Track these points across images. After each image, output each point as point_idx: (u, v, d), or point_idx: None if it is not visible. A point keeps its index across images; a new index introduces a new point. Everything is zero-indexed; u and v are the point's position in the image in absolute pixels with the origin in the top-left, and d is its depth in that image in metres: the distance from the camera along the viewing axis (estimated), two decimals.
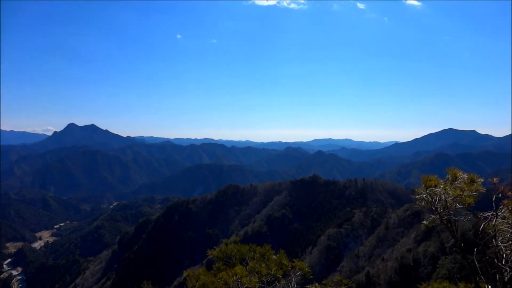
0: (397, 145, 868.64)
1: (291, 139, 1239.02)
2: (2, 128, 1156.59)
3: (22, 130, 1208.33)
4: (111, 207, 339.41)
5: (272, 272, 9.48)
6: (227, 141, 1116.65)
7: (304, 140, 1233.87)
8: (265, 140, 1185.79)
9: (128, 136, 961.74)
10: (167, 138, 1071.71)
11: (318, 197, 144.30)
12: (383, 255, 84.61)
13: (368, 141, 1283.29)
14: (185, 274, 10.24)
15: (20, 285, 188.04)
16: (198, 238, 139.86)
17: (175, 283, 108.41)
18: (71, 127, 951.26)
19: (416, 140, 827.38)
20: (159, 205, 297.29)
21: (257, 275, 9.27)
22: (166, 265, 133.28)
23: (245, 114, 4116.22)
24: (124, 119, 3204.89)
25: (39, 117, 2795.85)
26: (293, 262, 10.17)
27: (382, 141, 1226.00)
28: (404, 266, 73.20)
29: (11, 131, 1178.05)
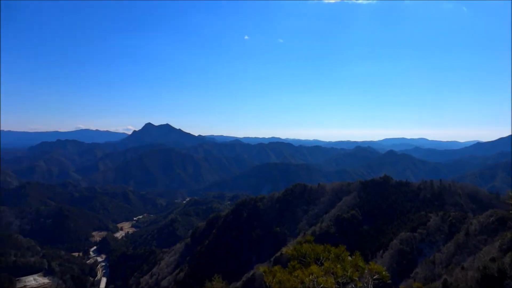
0: (479, 145, 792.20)
1: (360, 138, 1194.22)
2: (92, 128, 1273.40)
3: (106, 129, 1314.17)
4: (184, 202, 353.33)
5: (348, 274, 9.56)
6: (295, 140, 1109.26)
7: (374, 139, 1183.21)
8: (334, 139, 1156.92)
9: (199, 135, 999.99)
10: (236, 137, 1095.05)
11: (389, 199, 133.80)
12: (462, 264, 74.84)
13: (445, 140, 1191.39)
14: (261, 270, 10.60)
15: (104, 271, 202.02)
16: (266, 235, 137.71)
17: (243, 278, 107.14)
18: (148, 126, 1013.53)
19: (501, 139, 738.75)
20: (229, 202, 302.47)
21: (332, 275, 9.40)
22: (234, 260, 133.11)
23: (313, 113, 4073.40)
24: (196, 119, 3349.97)
25: (121, 117, 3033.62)
26: (369, 264, 10.17)
27: (461, 140, 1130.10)
28: (487, 277, 63.37)
29: (97, 130, 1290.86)
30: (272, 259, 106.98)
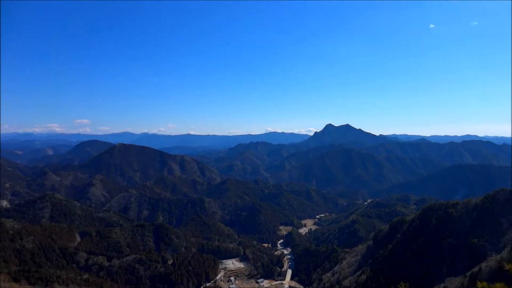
0: None
1: None
2: (278, 131, 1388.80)
3: (290, 131, 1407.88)
4: (365, 203, 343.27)
5: None
6: (496, 138, 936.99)
7: None
8: None
9: (380, 135, 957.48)
10: (422, 136, 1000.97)
11: None
12: None
13: None
14: (479, 285, 10.20)
15: (289, 263, 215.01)
16: (459, 246, 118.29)
17: None
18: (329, 127, 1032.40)
19: None
20: (414, 206, 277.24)
21: None
22: (421, 269, 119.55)
23: None
24: (377, 118, 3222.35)
25: (304, 120, 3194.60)
26: None
27: None
28: None
29: (283, 132, 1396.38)
30: (468, 273, 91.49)
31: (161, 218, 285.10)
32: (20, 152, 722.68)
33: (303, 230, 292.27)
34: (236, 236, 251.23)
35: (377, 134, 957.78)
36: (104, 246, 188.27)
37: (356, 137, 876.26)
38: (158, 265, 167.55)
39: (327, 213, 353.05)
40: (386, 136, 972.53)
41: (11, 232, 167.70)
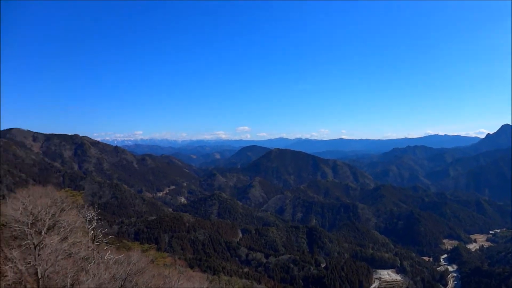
0: None
1: None
2: (440, 133, 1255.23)
3: (455, 134, 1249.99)
4: None
5: None
6: None
7: None
8: None
9: None
10: None
11: None
12: None
13: None
14: None
15: (455, 282, 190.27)
16: None
17: None
18: (505, 128, 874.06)
19: None
20: None
21: None
22: None
23: None
24: None
25: (472, 121, 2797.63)
26: None
27: None
28: None
29: (445, 135, 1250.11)
30: None
31: (314, 221, 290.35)
32: (194, 156, 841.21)
33: (472, 246, 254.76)
34: (392, 246, 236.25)
35: None
36: (262, 244, 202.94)
37: None
38: (312, 267, 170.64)
39: (504, 229, 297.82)
40: None
41: (187, 224, 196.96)
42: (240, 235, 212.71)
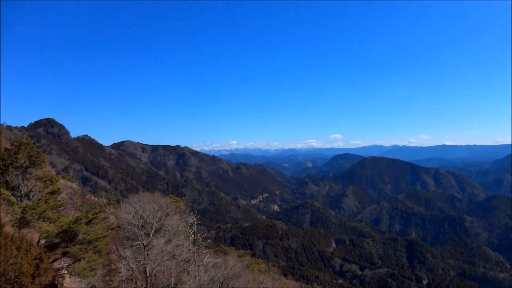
0: None
1: None
2: None
3: None
4: None
5: None
6: None
7: None
8: None
9: None
10: None
11: None
12: None
13: None
14: None
15: None
16: None
17: None
18: None
19: None
20: None
21: None
22: None
23: None
24: None
25: None
26: None
27: None
28: None
29: None
30: None
31: (414, 233, 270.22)
32: (286, 165, 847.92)
33: None
34: (508, 265, 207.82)
35: None
36: (356, 255, 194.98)
37: None
38: (412, 283, 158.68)
39: None
40: None
41: (280, 232, 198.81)
42: (334, 245, 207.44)
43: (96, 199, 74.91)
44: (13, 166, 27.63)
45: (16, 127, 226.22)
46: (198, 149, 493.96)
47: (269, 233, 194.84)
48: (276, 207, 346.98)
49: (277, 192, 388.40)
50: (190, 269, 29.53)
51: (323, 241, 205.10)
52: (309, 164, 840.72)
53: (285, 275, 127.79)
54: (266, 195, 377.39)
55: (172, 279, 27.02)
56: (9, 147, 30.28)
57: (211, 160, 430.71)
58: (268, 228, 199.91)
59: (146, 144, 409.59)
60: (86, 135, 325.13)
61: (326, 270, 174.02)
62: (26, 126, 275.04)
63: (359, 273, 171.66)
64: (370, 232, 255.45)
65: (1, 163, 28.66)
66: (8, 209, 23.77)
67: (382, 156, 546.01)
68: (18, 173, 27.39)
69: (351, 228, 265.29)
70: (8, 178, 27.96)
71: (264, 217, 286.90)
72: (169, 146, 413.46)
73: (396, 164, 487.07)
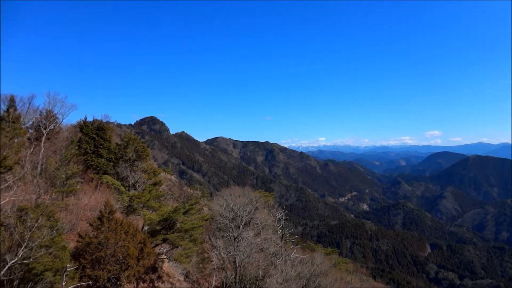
0: None
1: None
2: None
3: None
4: None
5: None
6: None
7: None
8: None
9: None
10: None
11: None
12: None
13: None
14: None
15: None
16: None
17: None
18: None
19: None
20: None
21: None
22: None
23: None
24: None
25: None
26: None
27: None
28: None
29: None
30: None
31: None
32: (377, 163, 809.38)
33: None
34: None
35: None
36: (455, 263, 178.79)
37: None
38: None
39: None
40: None
41: (369, 232, 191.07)
42: (429, 250, 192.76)
43: (191, 191, 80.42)
44: (123, 159, 31.12)
45: (124, 125, 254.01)
46: (286, 146, 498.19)
47: (357, 233, 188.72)
48: (365, 206, 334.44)
49: (367, 191, 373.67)
50: (277, 263, 30.09)
51: (416, 245, 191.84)
52: (403, 163, 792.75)
53: (374, 278, 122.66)
54: (354, 193, 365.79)
55: (260, 271, 27.82)
56: (119, 142, 34.18)
57: (299, 156, 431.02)
58: (356, 227, 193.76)
59: (237, 140, 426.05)
60: (183, 131, 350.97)
61: (419, 276, 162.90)
62: (133, 123, 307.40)
63: (458, 282, 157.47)
64: (471, 239, 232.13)
65: (113, 156, 32.51)
66: (118, 198, 26.89)
67: (489, 156, 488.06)
68: (127, 165, 30.77)
69: (449, 232, 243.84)
70: (118, 169, 31.61)
71: (352, 216, 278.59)
72: (258, 142, 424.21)
73: (505, 165, 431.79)
